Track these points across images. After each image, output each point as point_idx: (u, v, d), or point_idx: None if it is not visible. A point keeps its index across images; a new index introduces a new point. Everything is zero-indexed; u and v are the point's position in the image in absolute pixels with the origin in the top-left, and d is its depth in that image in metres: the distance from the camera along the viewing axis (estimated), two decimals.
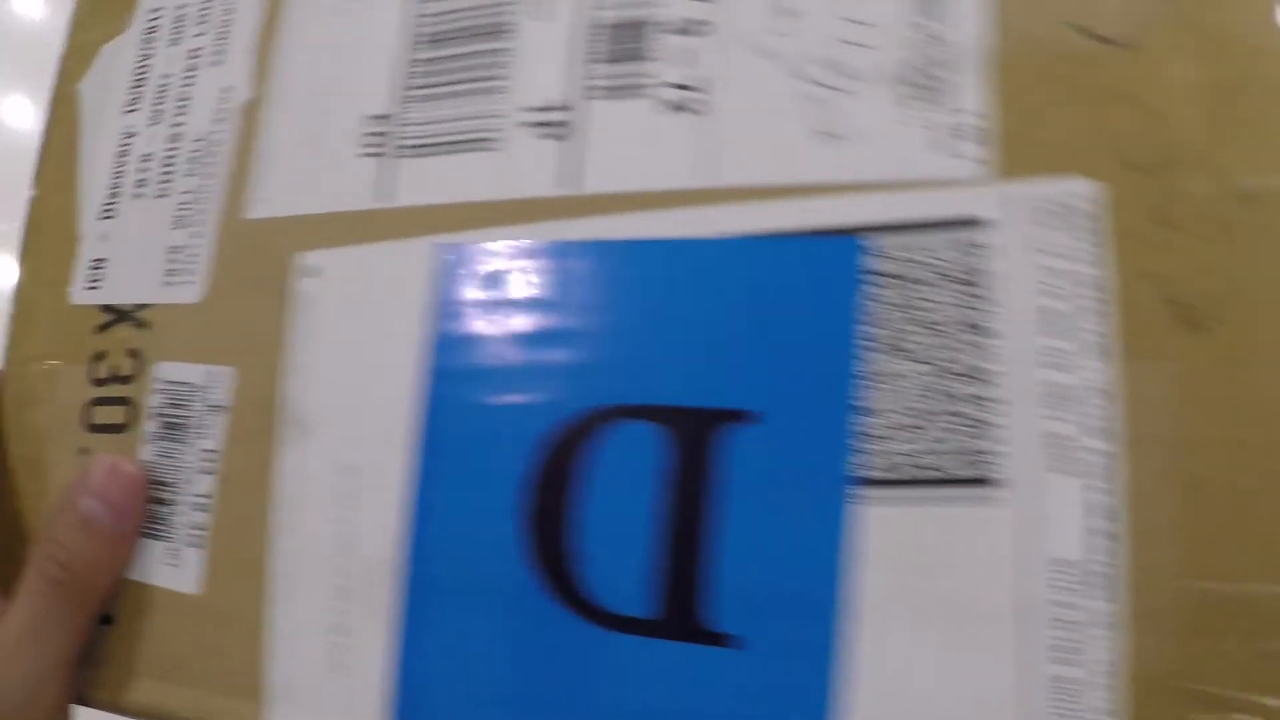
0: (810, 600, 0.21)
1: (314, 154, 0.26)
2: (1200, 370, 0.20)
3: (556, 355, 0.23)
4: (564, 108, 0.24)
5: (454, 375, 0.24)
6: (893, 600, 0.21)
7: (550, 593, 0.22)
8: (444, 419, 0.24)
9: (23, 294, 0.30)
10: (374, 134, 0.26)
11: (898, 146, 0.22)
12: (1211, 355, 0.20)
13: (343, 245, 0.26)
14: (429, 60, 0.26)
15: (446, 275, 0.24)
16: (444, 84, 0.26)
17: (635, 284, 0.23)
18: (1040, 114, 0.22)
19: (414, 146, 0.25)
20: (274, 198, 0.27)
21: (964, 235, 0.21)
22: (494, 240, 0.24)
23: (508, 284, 0.24)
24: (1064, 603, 0.20)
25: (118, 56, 0.30)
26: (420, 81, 0.26)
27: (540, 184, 0.24)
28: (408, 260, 0.25)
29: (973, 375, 0.21)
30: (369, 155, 0.26)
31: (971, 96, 0.22)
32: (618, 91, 0.24)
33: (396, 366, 0.24)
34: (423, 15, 0.26)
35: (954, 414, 0.21)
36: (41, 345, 0.29)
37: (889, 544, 0.21)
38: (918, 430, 0.21)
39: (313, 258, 0.26)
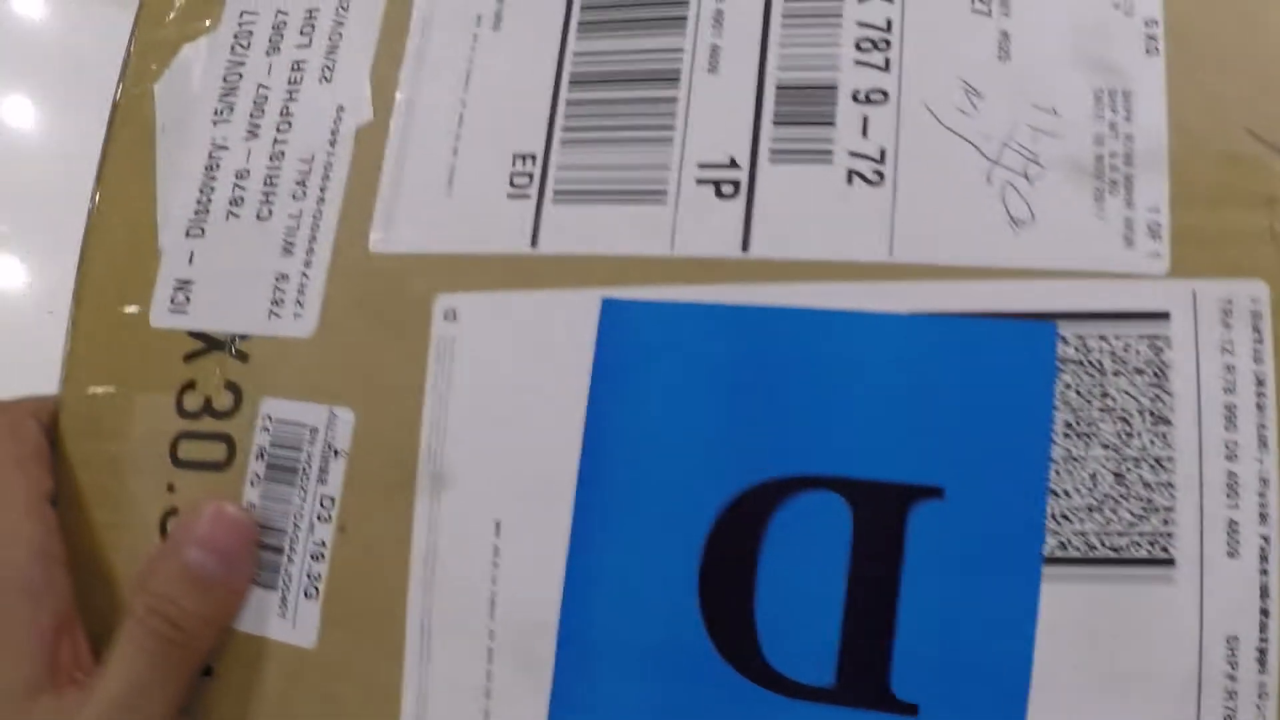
0: (995, 672, 0.22)
1: (452, 191, 0.25)
2: None
3: (738, 422, 0.23)
4: (737, 165, 0.24)
5: (620, 435, 0.23)
6: (1074, 673, 0.21)
7: (730, 662, 0.22)
8: (608, 479, 0.23)
9: (84, 311, 0.28)
10: (523, 174, 0.25)
11: (1086, 237, 0.23)
12: None
13: (486, 289, 0.25)
14: (584, 102, 0.25)
15: (613, 330, 0.24)
16: (603, 129, 0.25)
17: (819, 354, 0.23)
18: (1215, 214, 0.23)
19: (568, 192, 0.25)
20: (404, 233, 0.25)
21: (1152, 328, 0.22)
22: (657, 298, 0.24)
23: (677, 346, 0.24)
24: (1234, 676, 0.21)
25: (202, 59, 0.28)
26: (575, 123, 0.25)
27: (708, 243, 0.24)
28: (569, 311, 0.24)
29: (1157, 463, 0.22)
30: (517, 197, 0.25)
31: (1153, 192, 0.23)
32: (795, 155, 0.24)
33: (555, 422, 0.24)
34: (578, 54, 0.25)
35: (1137, 498, 0.22)
36: (111, 369, 0.27)
37: (1072, 619, 0.22)
38: (1103, 512, 0.22)
39: (453, 300, 0.25)
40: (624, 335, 0.24)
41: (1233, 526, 0.22)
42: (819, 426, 0.23)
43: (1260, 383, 0.22)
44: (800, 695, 0.22)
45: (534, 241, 0.25)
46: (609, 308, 0.24)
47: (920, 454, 0.22)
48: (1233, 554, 0.21)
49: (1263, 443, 0.22)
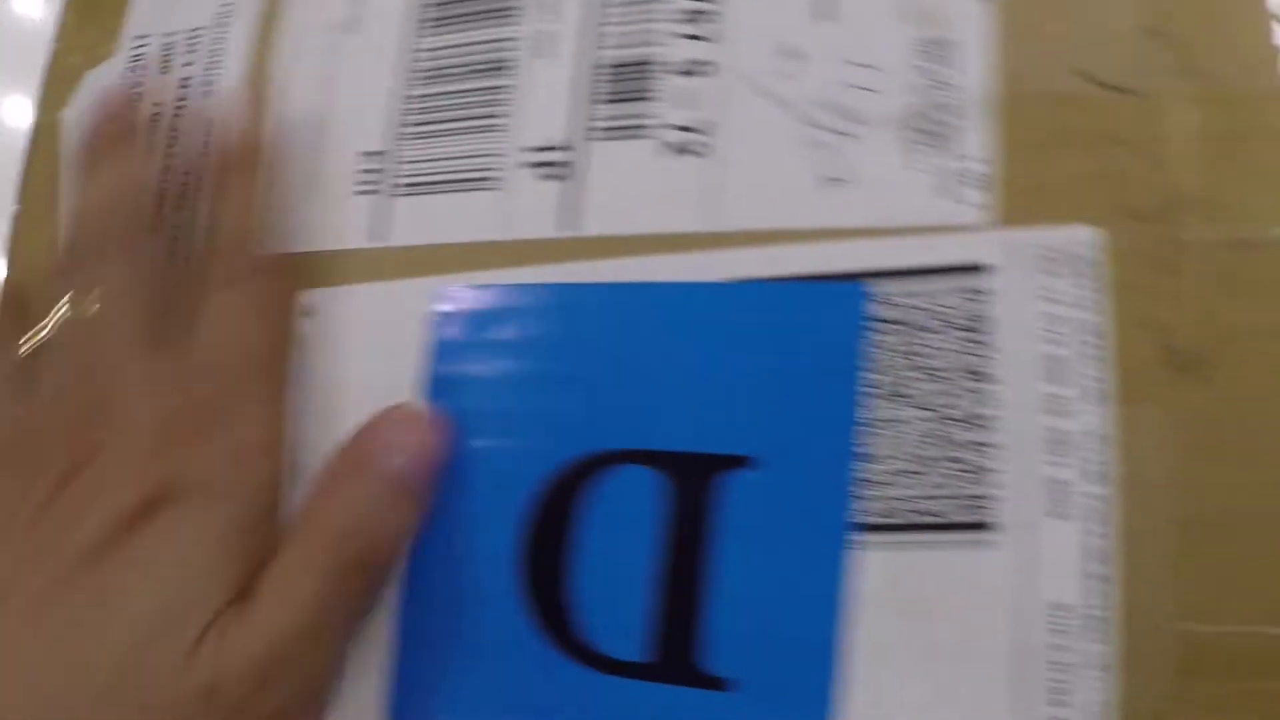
0: (807, 644, 0.21)
1: (309, 191, 0.26)
2: (1195, 415, 0.20)
3: (554, 399, 0.23)
4: (565, 148, 0.24)
5: (451, 416, 0.24)
6: (889, 644, 0.21)
7: (546, 637, 0.22)
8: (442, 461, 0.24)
9: None
10: (369, 170, 0.26)
11: (903, 192, 0.22)
12: (1206, 400, 0.20)
13: (338, 284, 0.25)
14: (425, 96, 0.26)
15: (443, 317, 0.24)
16: (441, 121, 0.25)
17: (635, 328, 0.23)
18: (1043, 160, 0.22)
19: (410, 185, 0.25)
20: (269, 236, 0.26)
21: (967, 281, 0.21)
22: (492, 282, 0.24)
23: (506, 326, 0.24)
24: (1059, 645, 0.20)
25: (102, 84, 0.30)
26: (416, 119, 0.26)
27: (540, 225, 0.24)
28: (404, 301, 0.25)
29: (973, 421, 0.21)
30: (364, 193, 0.26)
31: (976, 142, 0.22)
32: (619, 132, 0.24)
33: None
34: (419, 50, 0.26)
35: (954, 460, 0.21)
36: None
37: (886, 588, 0.21)
38: (917, 475, 0.21)
39: (309, 297, 0.26)
40: (455, 319, 0.24)
41: (1061, 486, 0.20)
42: (632, 400, 0.23)
43: (1098, 334, 0.21)
44: (614, 670, 0.22)
45: (380, 235, 0.25)
46: (440, 293, 0.24)
47: (729, 423, 0.22)
48: (1060, 516, 0.20)
49: (1098, 396, 0.21)
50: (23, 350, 0.26)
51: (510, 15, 0.25)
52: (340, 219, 0.26)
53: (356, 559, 0.22)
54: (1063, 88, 0.22)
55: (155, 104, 0.29)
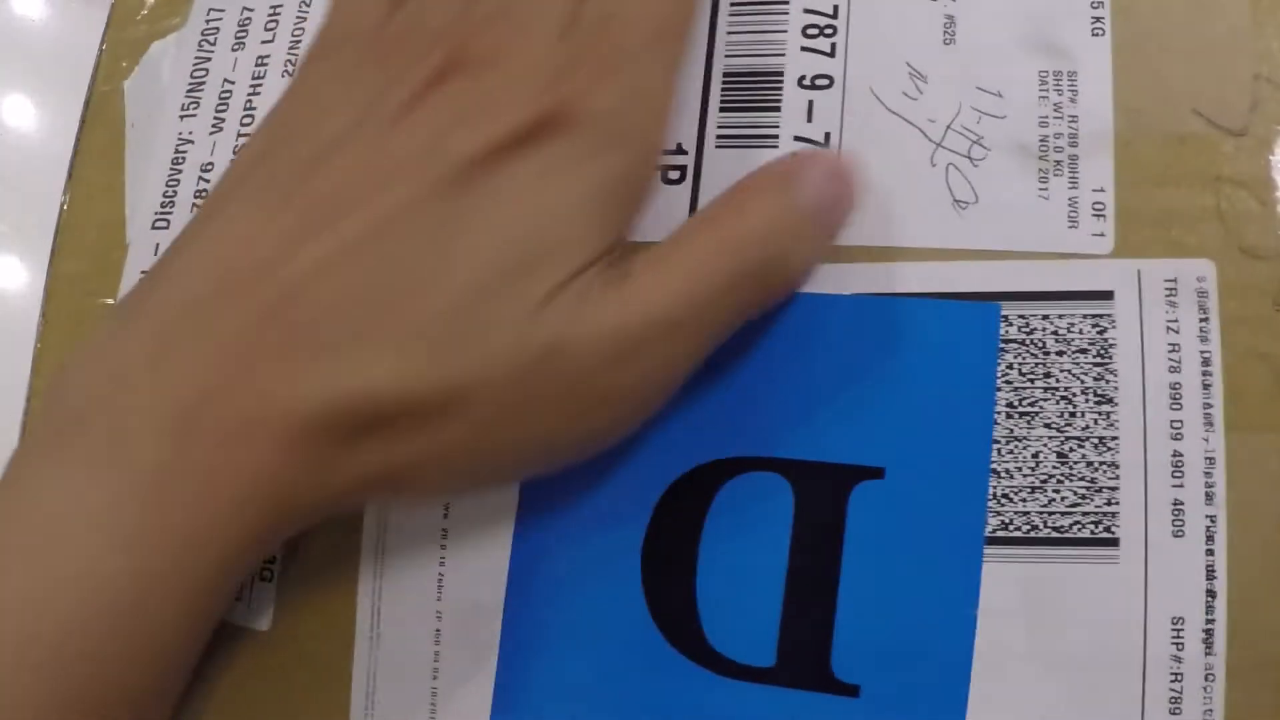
0: (936, 652, 0.21)
1: None
2: None
3: (689, 403, 0.23)
4: (683, 151, 0.24)
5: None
6: (1017, 654, 0.21)
7: (670, 639, 0.22)
8: None
9: (54, 305, 0.28)
10: None
11: (1030, 218, 0.23)
12: None
13: None
14: None
15: None
16: None
17: (770, 336, 0.23)
18: (1161, 195, 0.22)
19: None
20: None
21: (1094, 308, 0.22)
22: None
23: None
24: (1178, 657, 0.21)
25: (170, 56, 0.29)
26: None
27: (658, 228, 0.24)
28: None
29: (1101, 442, 0.22)
30: None
31: (1099, 173, 0.23)
32: (741, 140, 0.24)
33: None
34: None
35: (1080, 478, 0.22)
36: None
37: (1014, 600, 0.21)
38: (1045, 492, 0.22)
39: None
40: None
41: (1177, 506, 0.21)
42: (762, 408, 0.23)
43: (1206, 362, 0.22)
44: (741, 676, 0.22)
45: None
46: None
47: (861, 435, 0.22)
48: (1178, 534, 0.21)
49: (1208, 422, 0.21)
50: None
51: None
52: None
53: (754, 270, 0.21)
54: (1181, 126, 0.23)
55: (227, 79, 0.28)
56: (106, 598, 0.18)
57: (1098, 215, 0.22)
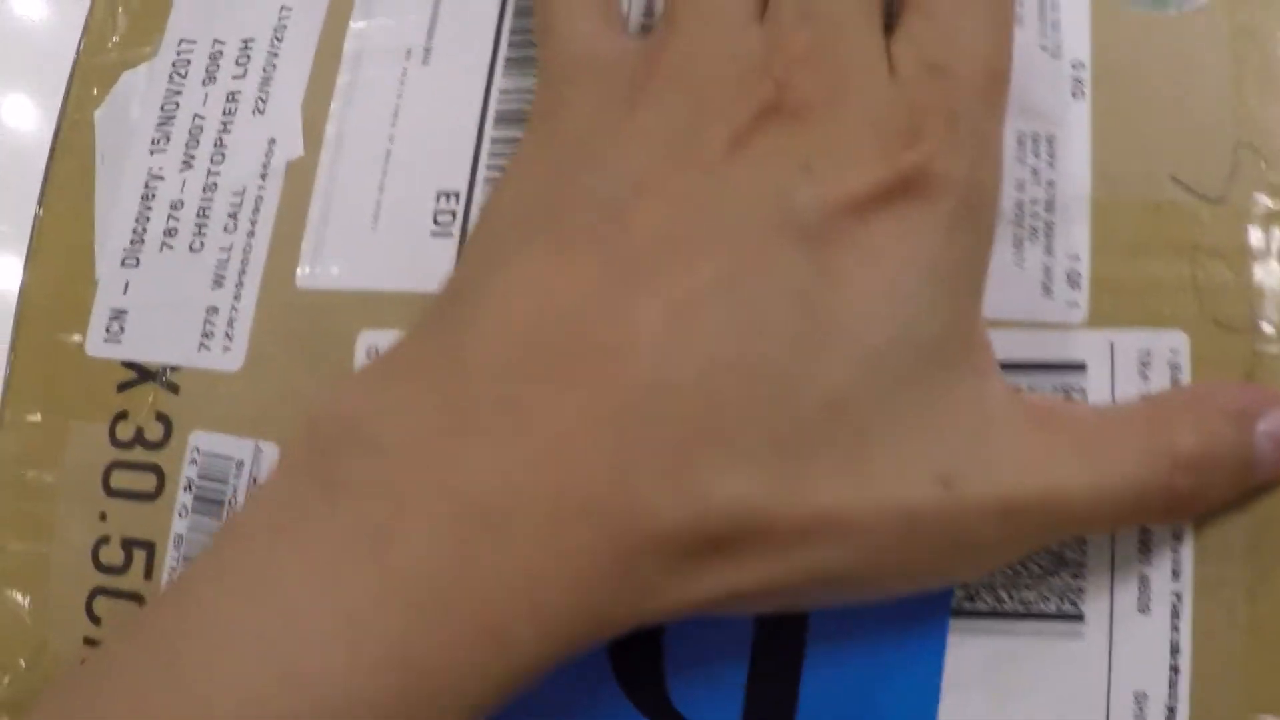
0: None
1: (377, 227, 0.25)
2: (1266, 520, 0.21)
3: None
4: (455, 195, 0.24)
5: None
6: None
7: (635, 702, 0.22)
8: None
9: (24, 337, 0.27)
10: (446, 212, 0.25)
11: (1004, 285, 0.22)
12: (1277, 503, 0.21)
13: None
14: (509, 140, 0.25)
15: None
16: None
17: None
18: (1137, 263, 0.22)
19: None
20: (330, 268, 0.25)
21: (1067, 379, 0.22)
22: None
23: None
24: None
25: (141, 86, 0.28)
26: (500, 162, 0.25)
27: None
28: None
29: None
30: (440, 235, 0.25)
31: (1076, 240, 0.22)
32: None
33: None
34: (504, 91, 0.25)
35: (1048, 551, 0.21)
36: (48, 397, 0.27)
37: (980, 672, 0.21)
38: (1013, 565, 0.21)
39: (375, 337, 0.24)
40: None
41: (1144, 582, 0.21)
42: None
43: None
44: None
45: None
46: None
47: None
48: (1143, 610, 0.21)
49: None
50: None
51: None
52: (416, 259, 0.24)
53: (1175, 495, 0.19)
54: (1159, 194, 0.22)
55: (197, 114, 0.27)
56: None
57: (1073, 284, 0.22)
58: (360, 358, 0.24)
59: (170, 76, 0.28)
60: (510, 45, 0.25)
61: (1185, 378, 0.21)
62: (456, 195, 0.24)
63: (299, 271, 0.25)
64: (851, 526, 0.17)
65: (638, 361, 0.16)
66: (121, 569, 0.25)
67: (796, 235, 0.17)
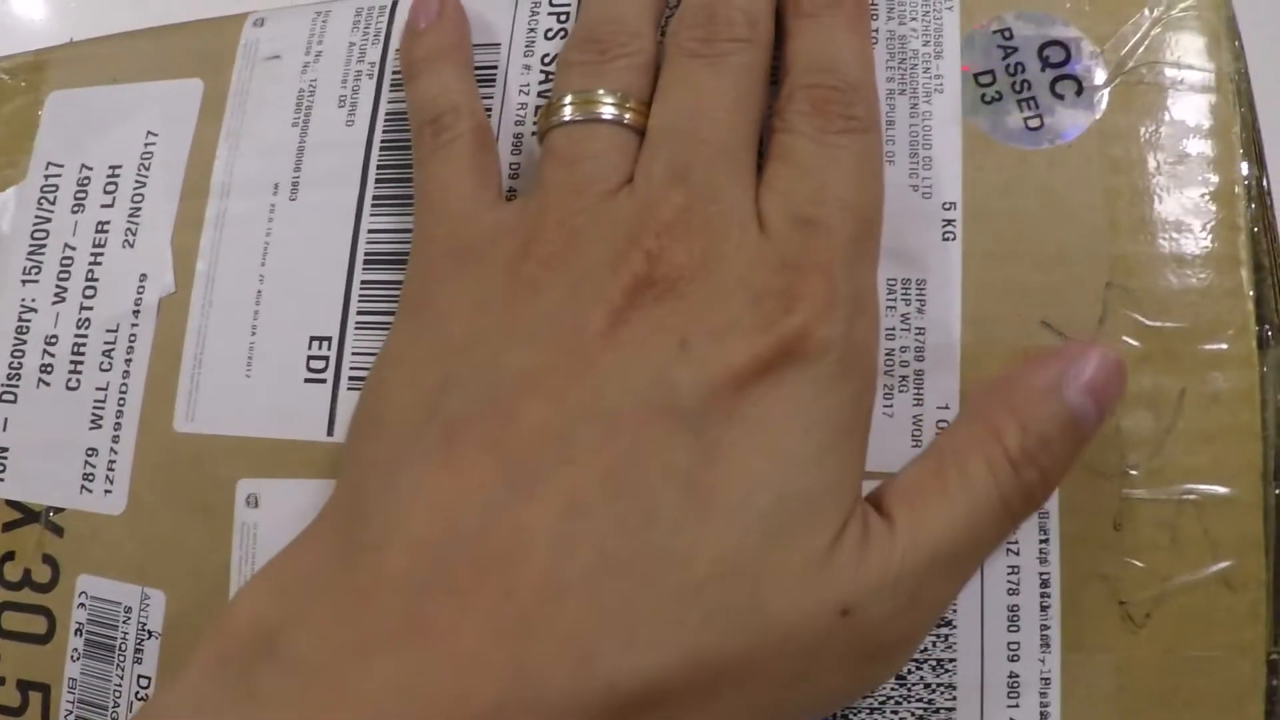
0: None
1: (251, 372, 0.24)
2: (1135, 662, 0.21)
3: None
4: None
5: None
6: None
7: None
8: None
9: None
10: (319, 358, 0.24)
11: (878, 437, 0.21)
12: (1146, 649, 0.21)
13: (286, 476, 0.24)
14: (378, 283, 0.24)
15: None
16: (392, 313, 0.23)
17: None
18: None
19: (362, 379, 0.23)
20: (206, 414, 0.24)
21: None
22: None
23: None
24: None
25: (11, 211, 0.27)
26: (370, 306, 0.24)
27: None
28: None
29: (939, 664, 0.21)
30: (313, 382, 0.24)
31: (943, 389, 0.22)
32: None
33: None
34: (372, 231, 0.24)
35: (918, 700, 0.21)
36: None
37: None
38: (884, 713, 0.21)
39: (254, 486, 0.24)
40: None
41: None
42: None
43: (1045, 583, 0.21)
44: None
45: (330, 430, 0.23)
46: None
47: None
48: None
49: (1045, 644, 0.21)
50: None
51: None
52: (291, 408, 0.24)
53: (1032, 489, 0.19)
54: (1028, 339, 0.22)
55: (67, 245, 0.26)
56: None
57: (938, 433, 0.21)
58: (240, 505, 0.24)
59: (39, 202, 0.26)
60: (378, 182, 0.24)
61: (1053, 525, 0.21)
62: (329, 340, 0.24)
63: (176, 415, 0.24)
64: (753, 673, 0.17)
65: (531, 568, 0.16)
66: (18, 710, 0.25)
67: (678, 418, 0.17)
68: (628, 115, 0.21)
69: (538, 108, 0.23)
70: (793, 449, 0.18)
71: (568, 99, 0.21)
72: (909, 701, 0.21)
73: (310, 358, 0.24)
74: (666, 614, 0.17)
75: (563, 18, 0.24)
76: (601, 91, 0.21)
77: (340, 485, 0.20)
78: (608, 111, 0.20)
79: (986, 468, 0.19)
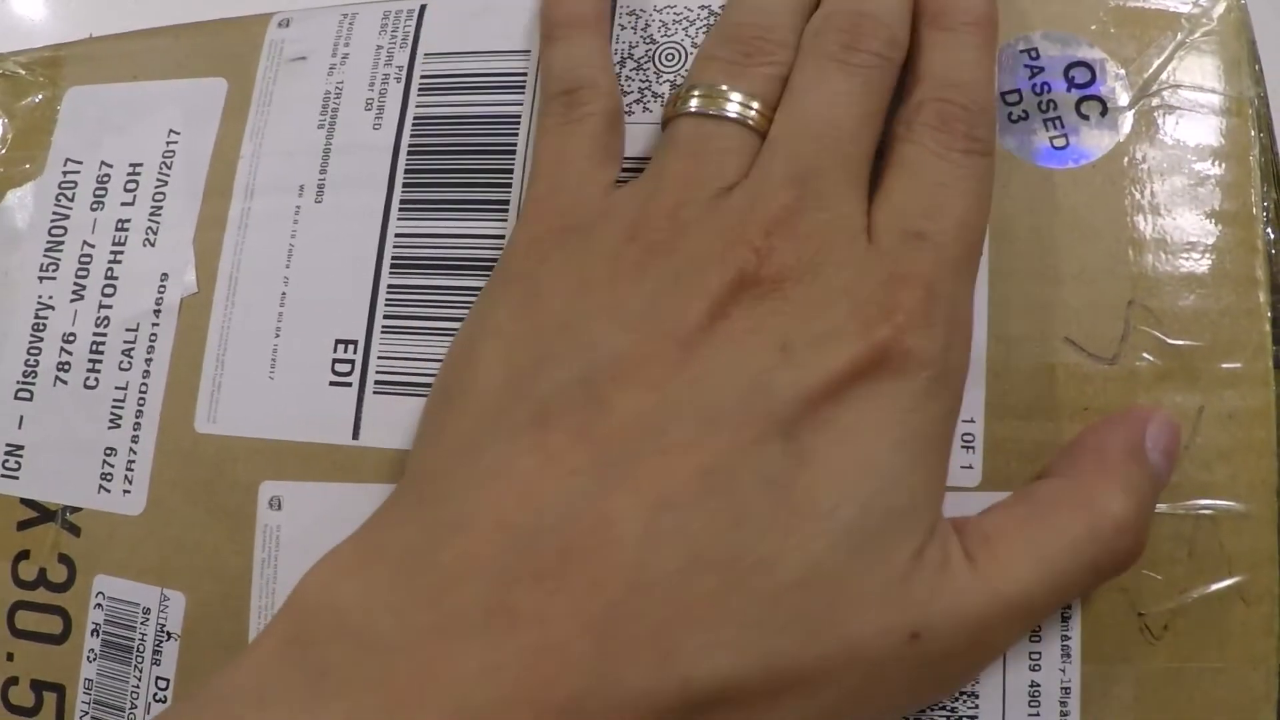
0: None
1: (274, 374, 0.24)
2: (1152, 673, 0.21)
3: None
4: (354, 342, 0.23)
5: None
6: None
7: None
8: None
9: None
10: (344, 361, 0.23)
11: None
12: (1163, 660, 0.21)
13: (309, 480, 0.23)
14: (405, 288, 0.23)
15: None
16: (423, 318, 0.23)
17: None
18: (1031, 426, 0.22)
19: (389, 382, 0.23)
20: (228, 415, 0.24)
21: None
22: None
23: None
24: None
25: (28, 208, 0.26)
26: (396, 311, 0.23)
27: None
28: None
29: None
30: (338, 385, 0.23)
31: (970, 403, 0.22)
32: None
33: None
34: (400, 235, 0.24)
35: (941, 707, 0.21)
36: None
37: None
38: None
39: (276, 489, 0.23)
40: None
41: None
42: None
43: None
44: None
45: (355, 433, 0.23)
46: None
47: None
48: None
49: (1066, 654, 0.21)
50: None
51: (501, 209, 0.23)
52: (315, 411, 0.23)
53: (1119, 558, 0.19)
54: (1052, 356, 0.22)
55: (86, 242, 0.25)
56: None
57: (966, 447, 0.21)
58: (263, 508, 0.23)
59: (57, 199, 0.26)
60: (405, 187, 0.24)
61: None
62: (354, 344, 0.23)
63: (197, 416, 0.24)
64: (821, 682, 0.17)
65: (619, 562, 0.16)
66: (32, 711, 0.24)
67: (773, 423, 0.17)
68: (755, 117, 0.20)
69: None
70: (882, 461, 0.17)
71: (698, 91, 0.20)
72: (933, 709, 0.21)
73: (335, 361, 0.23)
74: (748, 616, 0.16)
75: None
76: (735, 91, 0.20)
77: (416, 459, 0.19)
78: (735, 110, 0.20)
79: (1088, 530, 0.19)
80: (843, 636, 0.17)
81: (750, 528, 0.17)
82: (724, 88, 0.20)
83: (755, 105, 0.20)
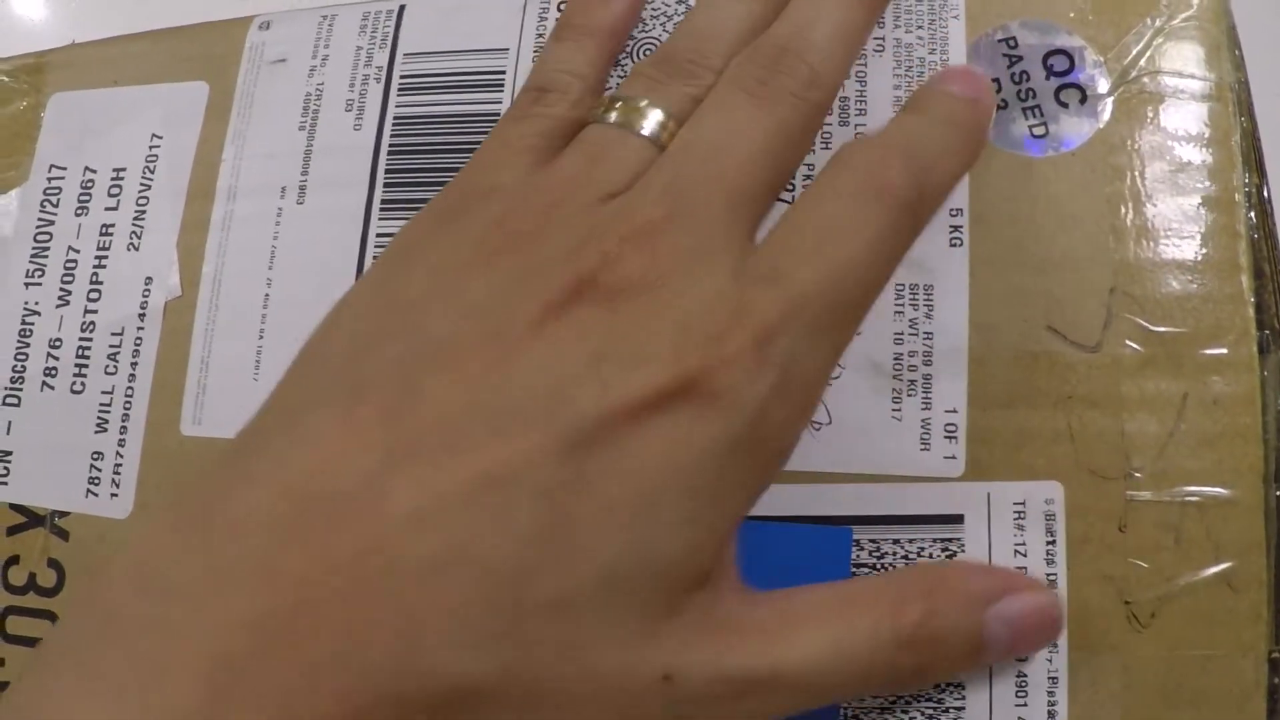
0: None
1: (259, 375, 0.23)
2: (1140, 661, 0.21)
3: None
4: None
5: None
6: None
7: None
8: None
9: None
10: None
11: (885, 440, 0.21)
12: (1151, 648, 0.21)
13: None
14: None
15: None
16: None
17: None
18: (1013, 414, 0.21)
19: None
20: (214, 417, 0.23)
21: (943, 531, 0.21)
22: None
23: None
24: None
25: (12, 213, 0.26)
26: None
27: None
28: None
29: None
30: None
31: (951, 393, 0.21)
32: None
33: None
34: (381, 236, 0.23)
35: (929, 699, 0.21)
36: None
37: None
38: (895, 713, 0.21)
39: None
40: None
41: None
42: None
43: (1052, 584, 0.21)
44: None
45: None
46: None
47: None
48: None
49: (1053, 643, 0.21)
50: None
51: None
52: None
53: (899, 672, 0.18)
54: (1034, 344, 0.21)
55: (71, 247, 0.25)
56: None
57: (949, 437, 0.21)
58: None
59: (42, 205, 0.25)
60: (386, 186, 0.23)
61: (1060, 527, 0.21)
62: None
63: (183, 418, 0.24)
64: (570, 706, 0.17)
65: (382, 538, 0.16)
66: None
67: (566, 436, 0.17)
68: (666, 138, 0.20)
69: None
70: (660, 506, 0.17)
71: (619, 104, 0.20)
72: (919, 701, 0.21)
73: None
74: (493, 625, 0.16)
75: None
76: (654, 108, 0.20)
77: (254, 416, 0.19)
78: (649, 127, 0.20)
79: (871, 635, 0.18)
80: (588, 666, 0.17)
81: (515, 537, 0.16)
82: (644, 103, 0.20)
83: (671, 125, 0.20)
